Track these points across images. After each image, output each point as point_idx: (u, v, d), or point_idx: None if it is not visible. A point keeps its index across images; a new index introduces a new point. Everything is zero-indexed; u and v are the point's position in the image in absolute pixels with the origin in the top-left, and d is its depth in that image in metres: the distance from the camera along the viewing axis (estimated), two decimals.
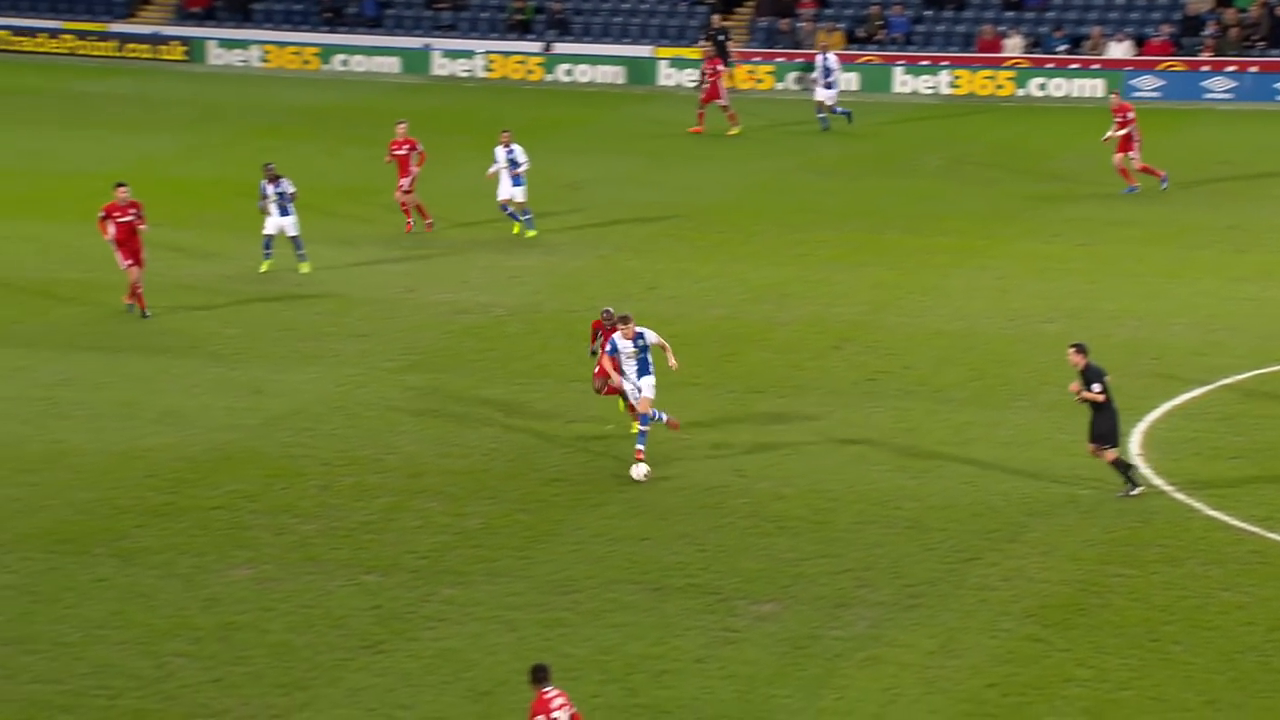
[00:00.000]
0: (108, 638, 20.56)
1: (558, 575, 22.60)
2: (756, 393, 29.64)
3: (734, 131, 51.01)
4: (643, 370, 25.91)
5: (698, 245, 39.27)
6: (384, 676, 19.93)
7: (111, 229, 32.71)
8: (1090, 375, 24.50)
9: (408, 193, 38.65)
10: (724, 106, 51.22)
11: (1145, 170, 43.04)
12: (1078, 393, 24.49)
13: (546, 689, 16.68)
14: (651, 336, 25.98)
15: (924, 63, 58.77)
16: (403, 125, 39.09)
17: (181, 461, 25.92)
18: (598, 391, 27.21)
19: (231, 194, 40.67)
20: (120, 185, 33.25)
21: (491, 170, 38.91)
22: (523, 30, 62.96)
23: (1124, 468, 24.81)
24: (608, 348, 26.10)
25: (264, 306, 33.94)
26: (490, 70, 61.49)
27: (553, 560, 23.03)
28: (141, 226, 32.83)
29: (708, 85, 51.29)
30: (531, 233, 38.95)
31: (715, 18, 58.76)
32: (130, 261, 32.75)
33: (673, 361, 26.14)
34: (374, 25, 63.65)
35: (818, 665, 20.38)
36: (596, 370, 27.04)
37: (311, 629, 20.95)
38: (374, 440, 26.99)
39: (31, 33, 63.51)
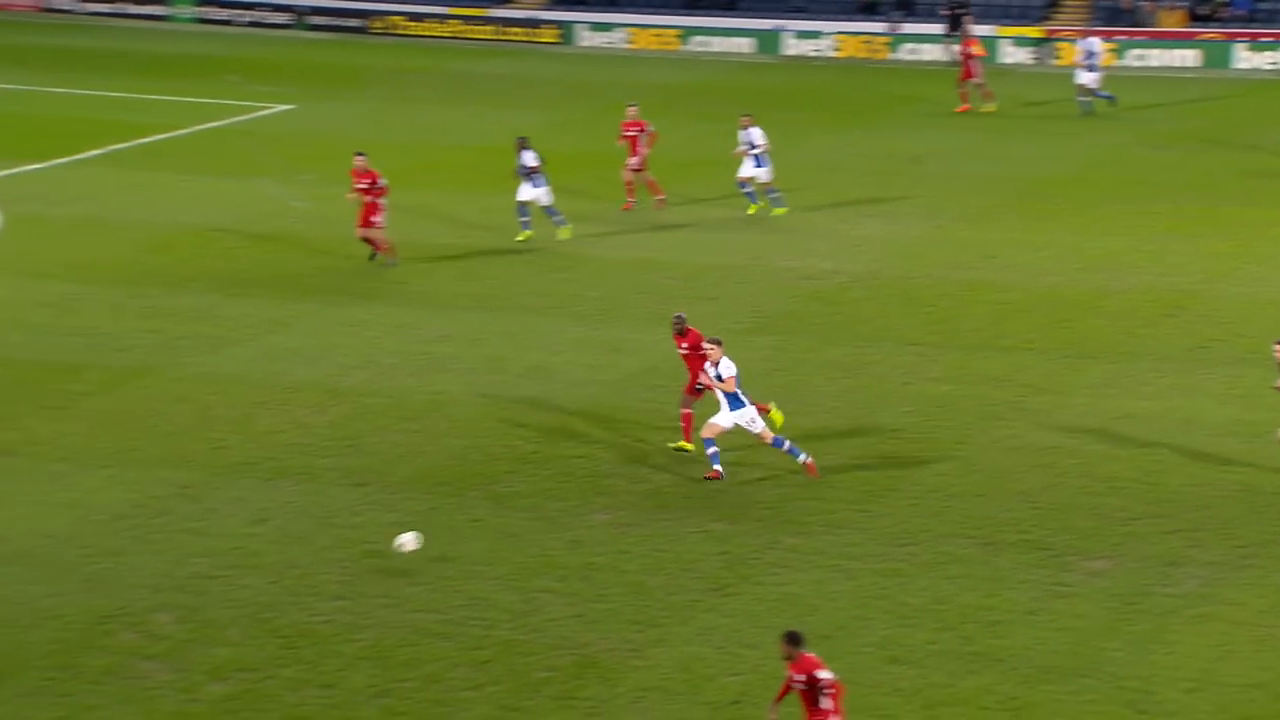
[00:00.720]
0: (482, 573, 21.09)
1: (895, 528, 22.44)
2: (1089, 358, 28.95)
3: (988, 108, 49.88)
4: (735, 403, 23.54)
5: (1033, 216, 38.49)
6: (731, 617, 20.06)
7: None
8: None
9: (636, 171, 38.44)
10: (979, 84, 50.13)
11: None
12: None
13: (808, 651, 16.32)
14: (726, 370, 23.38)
15: (1266, 39, 56.45)
16: (634, 108, 39.01)
17: (547, 413, 26.43)
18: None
19: (592, 165, 41.29)
20: (358, 154, 34.05)
21: (737, 150, 38.52)
22: (870, 11, 62.43)
23: None
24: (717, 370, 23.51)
25: (622, 270, 34.37)
26: (838, 50, 61.14)
27: (890, 513, 22.87)
28: (368, 196, 33.45)
29: (963, 64, 50.43)
30: (781, 210, 38.10)
31: None
32: (366, 225, 33.68)
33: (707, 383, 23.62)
34: (730, 7, 63.84)
35: (1149, 621, 19.85)
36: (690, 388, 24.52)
37: (664, 571, 21.19)
38: None
39: (421, 18, 65.43)
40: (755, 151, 37.96)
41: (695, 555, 21.62)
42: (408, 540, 20.38)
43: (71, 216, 38.05)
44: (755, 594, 20.62)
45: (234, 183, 41.51)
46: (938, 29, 60.16)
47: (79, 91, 53.18)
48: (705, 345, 24.05)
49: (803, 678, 16.15)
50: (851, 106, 52.38)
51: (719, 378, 23.62)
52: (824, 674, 16.15)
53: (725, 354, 23.82)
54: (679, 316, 24.96)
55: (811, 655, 16.27)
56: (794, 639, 16.30)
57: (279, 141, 46.69)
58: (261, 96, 52.55)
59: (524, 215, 35.81)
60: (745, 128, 38.08)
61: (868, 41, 60.77)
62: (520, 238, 35.80)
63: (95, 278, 33.27)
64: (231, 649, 19.11)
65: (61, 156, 43.85)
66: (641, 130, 38.31)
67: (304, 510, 22.86)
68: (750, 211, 38.20)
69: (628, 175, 38.51)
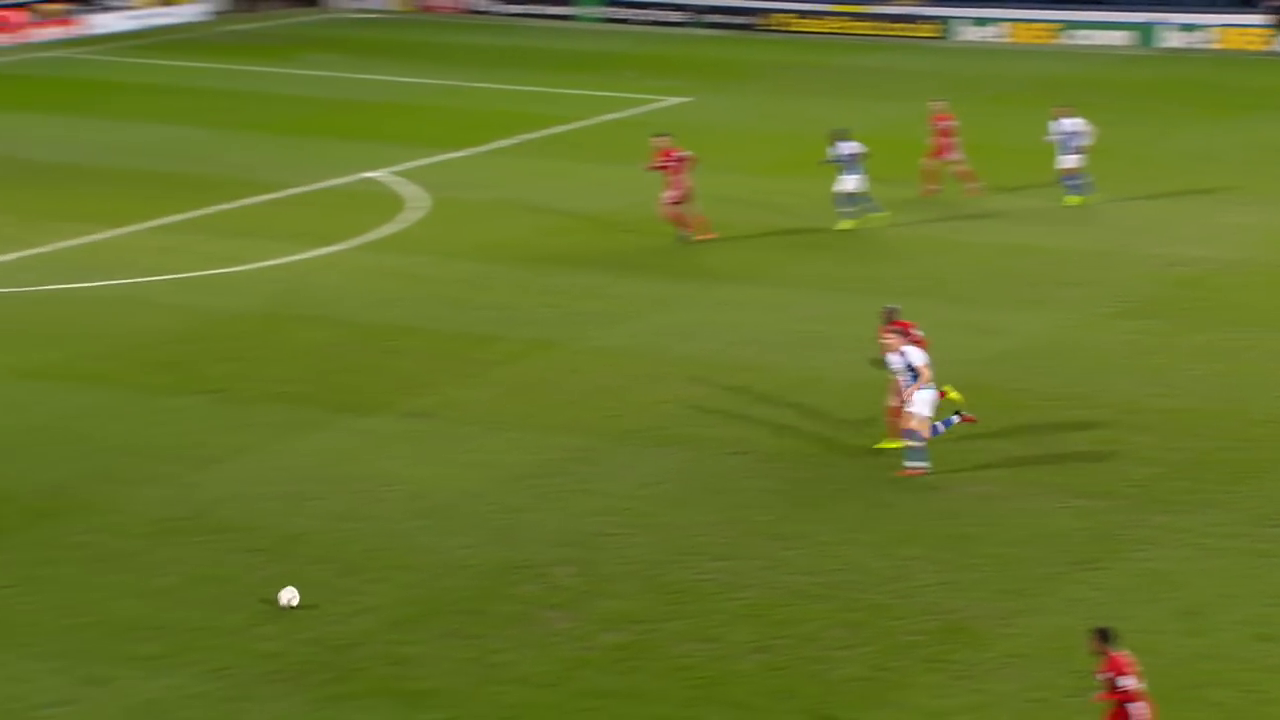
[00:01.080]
0: (855, 539, 21.19)
1: (1263, 509, 21.70)
2: None
3: None
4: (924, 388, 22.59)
5: None
6: (1097, 590, 19.72)
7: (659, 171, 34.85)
8: None
9: (955, 164, 37.66)
10: None
11: None
12: None
13: (1118, 651, 15.43)
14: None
15: None
16: (942, 103, 38.17)
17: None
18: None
19: (967, 155, 40.79)
20: (661, 136, 35.02)
21: (1047, 139, 37.25)
22: (1249, 4, 60.06)
23: None
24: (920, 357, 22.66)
25: (989, 255, 33.94)
26: (1217, 42, 58.98)
27: (1259, 495, 22.13)
28: (670, 173, 34.33)
29: None
30: (1075, 199, 36.84)
31: None
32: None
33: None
34: (1108, 1, 62.23)
35: None
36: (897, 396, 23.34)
37: (1032, 544, 20.95)
38: (1089, 379, 26.60)
39: (806, 14, 65.72)
40: (1069, 141, 36.89)
41: (1063, 529, 21.32)
42: (289, 597, 19.40)
43: (483, 201, 39.51)
44: (1122, 569, 20.23)
45: (626, 171, 42.44)
46: None
47: (494, 86, 55.08)
48: (888, 338, 23.02)
49: (1110, 675, 15.40)
50: (1228, 98, 50.52)
51: (909, 367, 22.70)
52: (1126, 681, 15.23)
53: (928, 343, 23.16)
54: (893, 308, 24.03)
55: (1121, 656, 15.41)
56: (1104, 635, 15.50)
57: (671, 133, 47.48)
58: (657, 90, 53.51)
59: (865, 202, 35.76)
60: (1056, 118, 37.11)
61: (1248, 34, 58.48)
62: (871, 222, 35.75)
63: (503, 257, 34.51)
64: (623, 602, 19.66)
65: (478, 145, 45.55)
66: (948, 124, 37.84)
67: (688, 475, 23.32)
68: (1071, 203, 37.13)
69: (960, 168, 38.01)
